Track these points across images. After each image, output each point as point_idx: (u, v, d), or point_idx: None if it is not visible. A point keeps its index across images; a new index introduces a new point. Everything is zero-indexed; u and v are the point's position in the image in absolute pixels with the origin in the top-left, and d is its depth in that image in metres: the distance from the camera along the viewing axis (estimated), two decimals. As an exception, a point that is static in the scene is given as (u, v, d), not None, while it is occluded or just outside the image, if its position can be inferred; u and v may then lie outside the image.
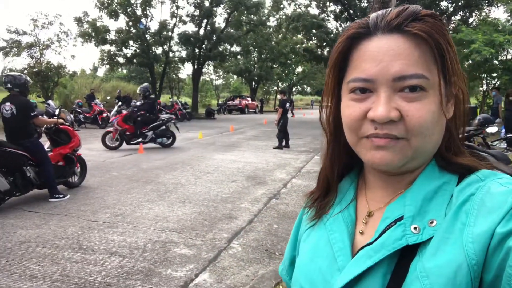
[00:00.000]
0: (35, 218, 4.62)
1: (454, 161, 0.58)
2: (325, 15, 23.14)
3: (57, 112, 6.39)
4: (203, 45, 25.78)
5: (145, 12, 24.70)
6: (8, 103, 5.12)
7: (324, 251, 0.63)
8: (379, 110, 0.53)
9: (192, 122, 20.83)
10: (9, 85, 5.19)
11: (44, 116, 7.01)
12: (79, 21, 23.42)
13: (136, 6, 24.41)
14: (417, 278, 0.49)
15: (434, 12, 0.56)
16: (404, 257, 0.53)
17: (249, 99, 34.64)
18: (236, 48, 29.04)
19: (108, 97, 22.23)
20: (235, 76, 46.43)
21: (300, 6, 25.16)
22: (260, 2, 25.93)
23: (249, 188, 6.17)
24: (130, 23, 24.56)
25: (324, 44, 22.08)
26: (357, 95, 0.56)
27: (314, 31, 21.80)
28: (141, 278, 3.20)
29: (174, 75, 38.46)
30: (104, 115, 16.52)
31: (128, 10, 23.85)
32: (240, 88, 50.12)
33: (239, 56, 30.83)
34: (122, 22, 25.03)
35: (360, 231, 0.62)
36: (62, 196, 5.44)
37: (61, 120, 5.92)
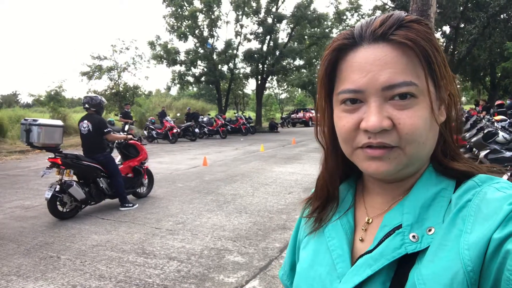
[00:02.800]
0: (107, 225, 5.08)
1: (451, 166, 0.58)
2: (390, 23, 22.36)
3: (126, 128, 7.00)
4: (267, 61, 26.32)
5: (211, 32, 25.93)
6: (85, 121, 5.73)
7: (324, 258, 0.63)
8: (371, 120, 0.53)
9: (255, 136, 21.25)
10: (86, 105, 5.80)
11: (121, 133, 7.71)
12: (152, 44, 25.26)
13: (203, 28, 25.75)
14: (414, 286, 0.50)
15: (419, 18, 0.56)
16: (403, 265, 0.53)
17: (313, 111, 34.46)
18: (299, 62, 29.21)
19: (178, 114, 23.58)
20: (299, 90, 46.51)
21: (363, 16, 24.71)
22: (322, 15, 25.92)
23: (305, 200, 6.17)
24: (198, 44, 25.91)
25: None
26: (348, 106, 0.56)
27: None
28: (196, 282, 3.38)
29: (239, 91, 39.65)
30: (174, 130, 17.56)
31: (196, 31, 25.21)
32: (304, 101, 50.07)
33: (302, 69, 30.98)
34: (190, 43, 26.84)
35: (360, 239, 0.62)
36: (131, 205, 5.91)
37: (130, 136, 6.45)
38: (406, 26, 0.53)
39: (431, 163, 0.60)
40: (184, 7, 24.92)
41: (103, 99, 6.12)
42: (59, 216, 5.36)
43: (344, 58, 0.57)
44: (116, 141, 6.35)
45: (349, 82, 0.55)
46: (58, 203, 5.31)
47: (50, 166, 5.37)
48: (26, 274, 3.61)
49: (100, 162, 5.76)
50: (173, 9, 24.75)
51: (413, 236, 0.53)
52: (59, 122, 5.72)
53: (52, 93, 20.78)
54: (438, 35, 21.43)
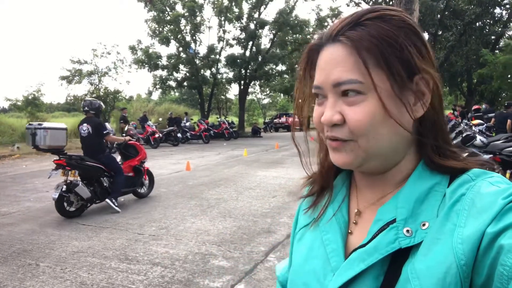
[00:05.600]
0: (88, 231, 4.97)
1: (443, 163, 0.57)
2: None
3: (126, 128, 7.60)
4: (249, 66, 26.38)
5: (194, 37, 25.82)
6: (85, 124, 5.94)
7: (318, 252, 0.64)
8: (325, 114, 0.57)
9: (238, 141, 21.23)
10: (86, 108, 6.09)
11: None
12: (133, 49, 24.97)
13: (186, 32, 25.64)
14: (407, 280, 0.50)
15: (386, 13, 0.56)
16: (397, 259, 0.53)
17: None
18: (282, 67, 29.38)
19: (160, 119, 23.38)
20: (282, 95, 46.78)
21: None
22: (304, 21, 26.18)
23: (289, 203, 6.19)
24: (180, 49, 25.76)
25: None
26: (319, 100, 0.60)
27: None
28: (180, 287, 3.33)
29: (222, 96, 39.58)
30: (156, 135, 17.38)
31: (178, 36, 25.08)
32: (287, 106, 50.35)
33: (285, 75, 31.19)
34: (172, 48, 26.65)
35: (349, 231, 0.63)
36: (117, 207, 5.92)
37: (128, 137, 6.73)
38: (362, 24, 0.55)
39: (423, 159, 0.59)
40: (166, 12, 24.78)
41: (101, 103, 6.36)
42: (66, 215, 5.54)
43: (317, 57, 0.61)
44: (116, 142, 6.54)
45: (315, 79, 0.60)
46: (65, 202, 5.50)
47: (56, 167, 5.54)
48: (3, 283, 3.48)
49: (102, 162, 5.98)
50: (155, 13, 24.57)
51: (407, 231, 0.53)
52: (62, 125, 5.94)
53: (30, 97, 20.29)
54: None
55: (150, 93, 45.10)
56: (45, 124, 5.67)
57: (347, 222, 0.64)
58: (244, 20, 25.96)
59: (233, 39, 26.53)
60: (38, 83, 25.40)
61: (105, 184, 6.01)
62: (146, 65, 24.89)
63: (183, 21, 25.04)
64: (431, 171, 0.58)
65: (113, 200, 5.94)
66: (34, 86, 21.16)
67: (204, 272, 3.63)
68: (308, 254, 0.65)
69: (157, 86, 27.20)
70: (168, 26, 24.81)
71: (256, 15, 25.93)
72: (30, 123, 5.76)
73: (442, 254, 0.49)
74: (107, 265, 3.82)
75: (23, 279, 3.56)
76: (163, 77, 26.47)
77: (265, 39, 28.29)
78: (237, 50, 28.31)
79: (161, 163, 11.59)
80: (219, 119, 24.84)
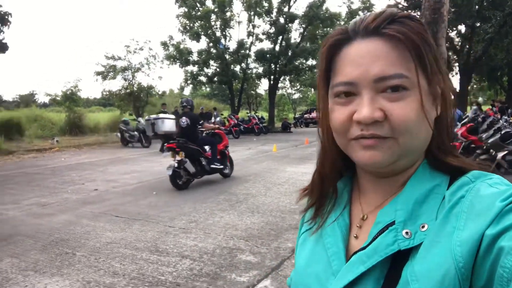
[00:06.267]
0: (121, 223, 5.15)
1: (445, 161, 0.58)
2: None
3: (213, 120, 8.94)
4: (279, 61, 26.26)
5: (224, 33, 25.99)
6: (184, 118, 7.45)
7: (320, 255, 0.64)
8: (363, 111, 0.54)
9: (268, 136, 21.25)
10: (184, 104, 7.70)
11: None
12: (164, 45, 25.42)
13: (216, 28, 25.83)
14: (407, 282, 0.50)
15: (412, 14, 0.58)
16: (397, 261, 0.53)
17: (326, 112, 34.12)
18: (312, 62, 29.05)
19: (191, 114, 23.65)
20: (312, 90, 46.30)
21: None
22: (334, 15, 25.73)
23: (318, 200, 6.15)
24: (211, 44, 25.99)
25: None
26: (342, 99, 0.57)
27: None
28: (208, 280, 3.40)
29: (252, 91, 39.64)
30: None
31: (209, 32, 25.30)
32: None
33: (315, 69, 30.83)
34: (203, 43, 26.77)
35: (355, 235, 0.62)
36: (219, 165, 7.68)
37: (217, 126, 8.84)
38: (399, 21, 0.55)
39: (426, 158, 0.60)
40: (197, 8, 25.05)
41: (193, 101, 8.03)
42: (178, 187, 7.02)
43: (339, 53, 0.59)
44: (206, 130, 8.11)
45: (342, 75, 0.57)
46: (176, 178, 6.94)
47: (168, 149, 7.03)
48: (42, 270, 3.69)
49: (199, 145, 7.38)
50: (186, 9, 24.88)
51: (406, 233, 0.53)
52: (172, 116, 8.04)
53: (68, 92, 21.10)
54: (453, 34, 21.08)
55: (182, 88, 45.77)
56: (161, 115, 7.74)
57: (348, 225, 0.64)
58: (274, 14, 25.80)
59: (263, 33, 26.46)
60: (76, 78, 26.37)
61: (203, 163, 7.42)
62: (177, 61, 25.30)
63: (213, 17, 25.23)
64: (431, 172, 0.58)
65: (216, 163, 7.57)
66: (72, 81, 21.88)
67: (231, 266, 3.69)
68: (310, 257, 0.66)
69: (188, 82, 27.64)
70: (199, 21, 25.06)
71: (286, 9, 25.71)
72: (149, 116, 7.73)
73: (440, 257, 0.49)
74: (138, 256, 3.95)
75: (61, 266, 3.75)
76: (194, 72, 26.83)
77: (295, 33, 27.98)
78: (266, 44, 28.38)
79: (192, 158, 11.79)
80: (249, 114, 24.91)
